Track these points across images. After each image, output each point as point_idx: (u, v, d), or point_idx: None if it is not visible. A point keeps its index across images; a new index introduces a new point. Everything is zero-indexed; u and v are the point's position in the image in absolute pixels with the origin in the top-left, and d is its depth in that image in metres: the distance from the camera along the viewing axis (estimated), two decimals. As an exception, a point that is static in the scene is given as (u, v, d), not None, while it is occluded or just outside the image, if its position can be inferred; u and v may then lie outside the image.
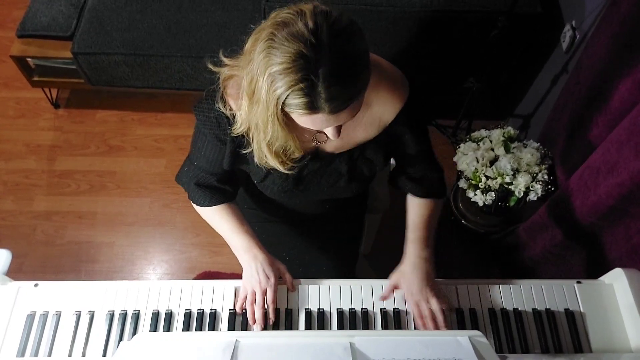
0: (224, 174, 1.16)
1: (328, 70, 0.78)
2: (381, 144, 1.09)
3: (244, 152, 1.02)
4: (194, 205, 1.22)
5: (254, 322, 1.08)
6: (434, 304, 1.09)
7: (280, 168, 1.01)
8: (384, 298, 1.13)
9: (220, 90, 1.00)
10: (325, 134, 0.98)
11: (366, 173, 1.13)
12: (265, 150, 0.96)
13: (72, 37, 2.16)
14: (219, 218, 1.19)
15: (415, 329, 1.10)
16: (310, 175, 1.11)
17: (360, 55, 0.83)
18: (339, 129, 0.93)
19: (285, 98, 0.81)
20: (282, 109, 0.84)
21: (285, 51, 0.78)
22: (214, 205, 1.18)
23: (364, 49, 0.84)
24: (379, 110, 1.05)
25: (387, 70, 1.05)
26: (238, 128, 0.97)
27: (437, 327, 1.07)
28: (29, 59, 2.27)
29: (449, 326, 1.09)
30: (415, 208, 1.21)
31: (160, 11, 2.18)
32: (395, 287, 1.15)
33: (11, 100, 2.57)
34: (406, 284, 1.13)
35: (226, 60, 0.97)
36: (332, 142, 1.07)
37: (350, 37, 0.81)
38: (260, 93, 0.83)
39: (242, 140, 1.02)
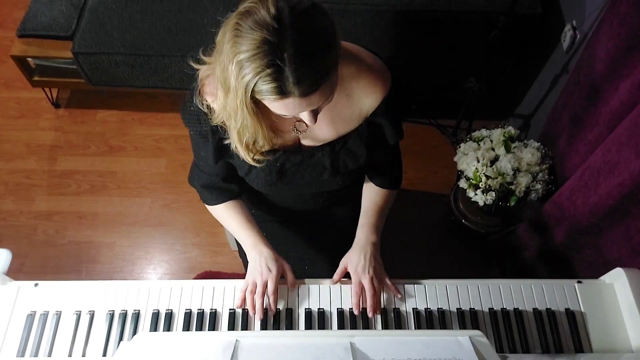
0: (226, 173, 1.18)
1: (292, 52, 0.78)
2: (363, 135, 1.09)
3: (227, 142, 1.03)
4: (206, 206, 1.27)
5: (254, 311, 1.10)
6: (376, 284, 1.13)
7: (249, 160, 1.02)
8: (334, 282, 1.17)
9: (198, 88, 1.01)
10: (304, 122, 0.99)
11: (350, 166, 1.13)
12: (236, 140, 0.97)
13: (72, 37, 2.16)
14: (227, 216, 1.24)
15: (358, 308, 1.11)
16: (293, 168, 1.11)
17: (325, 33, 0.83)
18: (314, 114, 0.92)
19: (254, 85, 0.81)
20: (253, 97, 0.84)
21: (250, 39, 0.79)
22: (221, 202, 1.23)
23: (328, 27, 0.84)
24: (360, 100, 1.05)
25: (366, 60, 1.05)
26: (216, 118, 0.99)
27: (374, 306, 1.11)
28: (29, 59, 2.27)
29: (379, 309, 1.12)
30: (372, 195, 1.28)
31: (161, 11, 2.18)
32: (345, 269, 1.19)
33: (12, 100, 2.57)
34: (353, 263, 1.17)
35: (205, 59, 0.97)
36: (314, 134, 1.08)
37: (313, 17, 0.81)
38: (230, 81, 0.84)
39: (223, 131, 1.03)
